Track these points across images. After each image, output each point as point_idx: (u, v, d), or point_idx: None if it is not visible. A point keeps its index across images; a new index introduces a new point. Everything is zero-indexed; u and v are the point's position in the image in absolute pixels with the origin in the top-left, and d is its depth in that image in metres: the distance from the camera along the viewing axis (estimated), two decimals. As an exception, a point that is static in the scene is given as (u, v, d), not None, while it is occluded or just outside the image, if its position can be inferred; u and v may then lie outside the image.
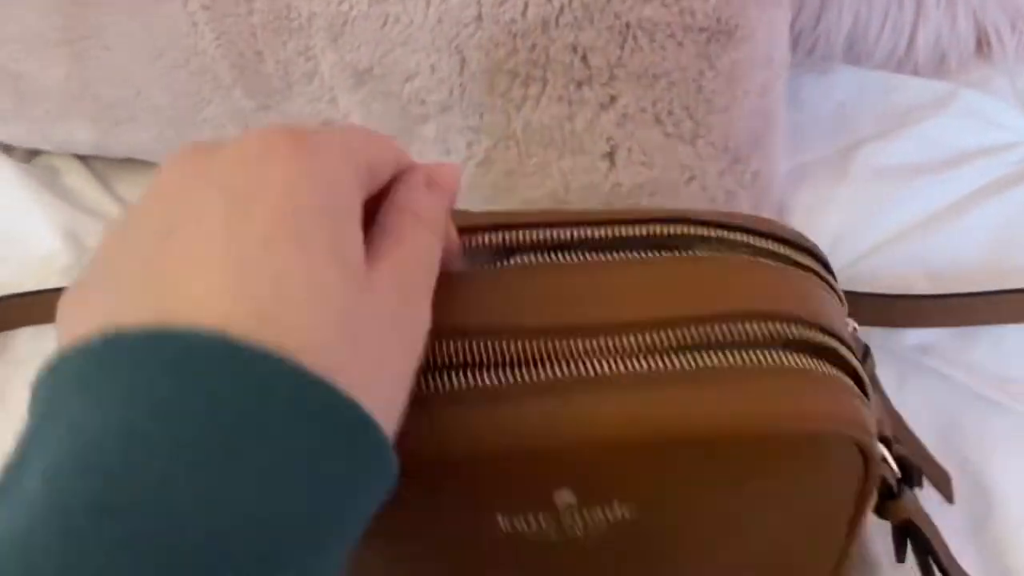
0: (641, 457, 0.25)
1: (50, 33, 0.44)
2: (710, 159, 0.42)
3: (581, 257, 0.29)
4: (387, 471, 0.20)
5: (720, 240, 0.30)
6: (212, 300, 0.18)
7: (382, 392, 0.20)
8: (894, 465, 0.31)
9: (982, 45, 0.56)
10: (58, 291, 0.45)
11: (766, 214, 0.46)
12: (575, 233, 0.29)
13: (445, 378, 0.25)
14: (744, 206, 0.44)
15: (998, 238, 0.47)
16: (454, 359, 0.25)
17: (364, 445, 0.19)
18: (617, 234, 0.29)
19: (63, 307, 0.20)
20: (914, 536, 0.33)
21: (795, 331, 0.26)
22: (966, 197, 0.49)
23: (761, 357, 0.25)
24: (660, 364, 0.25)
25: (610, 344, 0.25)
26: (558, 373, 0.25)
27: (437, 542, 0.27)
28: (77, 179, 0.53)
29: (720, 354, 0.25)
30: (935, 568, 0.33)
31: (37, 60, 0.45)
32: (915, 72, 0.55)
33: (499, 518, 0.26)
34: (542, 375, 0.25)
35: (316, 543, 0.18)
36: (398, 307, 0.21)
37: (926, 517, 0.33)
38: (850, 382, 0.27)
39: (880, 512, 0.31)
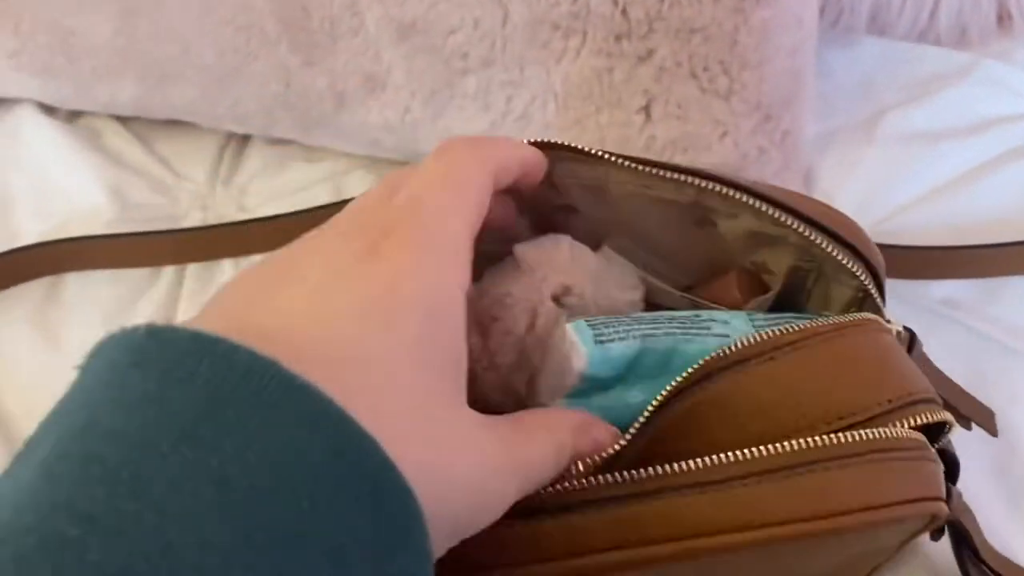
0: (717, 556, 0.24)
1: (103, -11, 0.45)
2: (743, 115, 0.43)
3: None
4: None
5: (772, 220, 0.29)
6: (292, 330, 0.18)
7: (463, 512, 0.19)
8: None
9: (1003, 18, 0.57)
10: (104, 237, 0.46)
11: (795, 174, 0.48)
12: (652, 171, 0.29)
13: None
14: (774, 164, 0.46)
15: (1018, 198, 0.49)
16: None
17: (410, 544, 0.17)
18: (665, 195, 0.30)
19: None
20: (956, 534, 0.33)
21: (895, 415, 0.25)
22: (988, 161, 0.50)
23: (849, 440, 0.24)
24: (748, 460, 0.23)
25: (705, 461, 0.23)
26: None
27: None
28: (118, 139, 0.55)
29: (806, 445, 0.24)
30: (969, 552, 0.33)
31: (89, 16, 0.47)
32: (937, 43, 0.56)
33: None
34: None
35: None
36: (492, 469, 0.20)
37: (968, 513, 0.33)
38: (929, 447, 0.26)
39: None
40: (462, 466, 0.19)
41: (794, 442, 0.23)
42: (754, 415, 0.24)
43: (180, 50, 0.47)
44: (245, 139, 0.54)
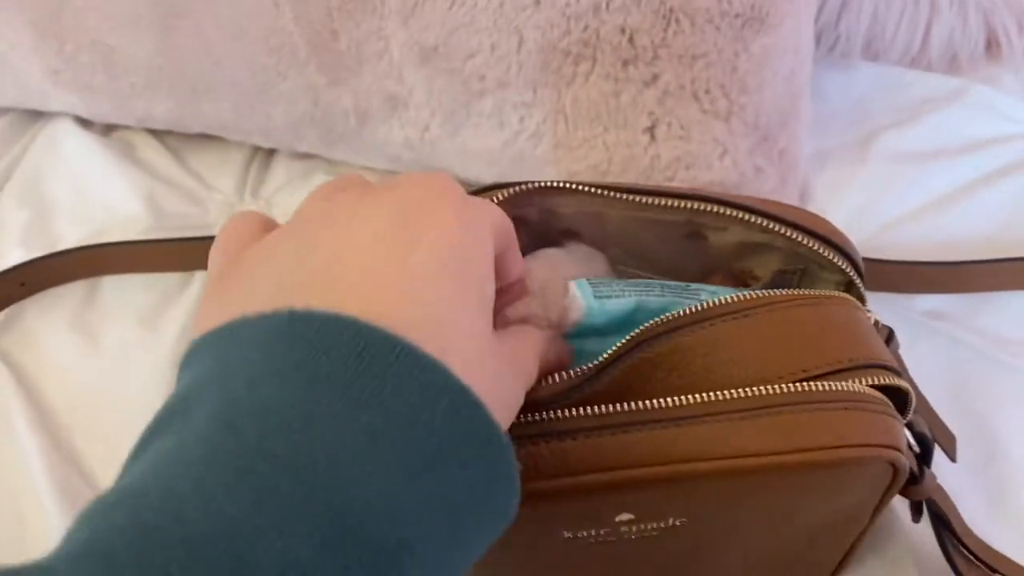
0: (702, 485, 0.27)
1: (144, 10, 0.48)
2: (742, 136, 0.46)
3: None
4: (511, 480, 0.22)
5: (760, 228, 0.33)
6: (391, 306, 0.20)
7: (503, 414, 0.22)
8: (916, 447, 0.34)
9: (992, 44, 0.60)
10: (139, 243, 0.49)
11: (791, 190, 0.51)
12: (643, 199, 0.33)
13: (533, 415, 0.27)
14: (771, 181, 0.48)
15: (1003, 217, 0.51)
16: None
17: (493, 453, 0.21)
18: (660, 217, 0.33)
19: (203, 300, 0.23)
20: (932, 511, 0.36)
21: (845, 368, 0.28)
22: (975, 181, 0.53)
23: (812, 389, 0.27)
24: (725, 401, 0.27)
25: (689, 398, 0.27)
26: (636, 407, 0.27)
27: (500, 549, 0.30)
28: (152, 152, 0.58)
29: (778, 389, 0.27)
30: (949, 534, 0.36)
31: (129, 35, 0.50)
32: (929, 68, 0.59)
33: (564, 532, 0.28)
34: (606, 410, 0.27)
35: (447, 527, 0.20)
36: (510, 357, 0.24)
37: (943, 493, 0.35)
38: (890, 404, 0.29)
39: (903, 493, 0.34)
40: (508, 387, 0.23)
41: (767, 387, 0.27)
42: (718, 365, 0.28)
43: (214, 68, 0.50)
44: (271, 153, 0.58)
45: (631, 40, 0.43)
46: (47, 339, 0.47)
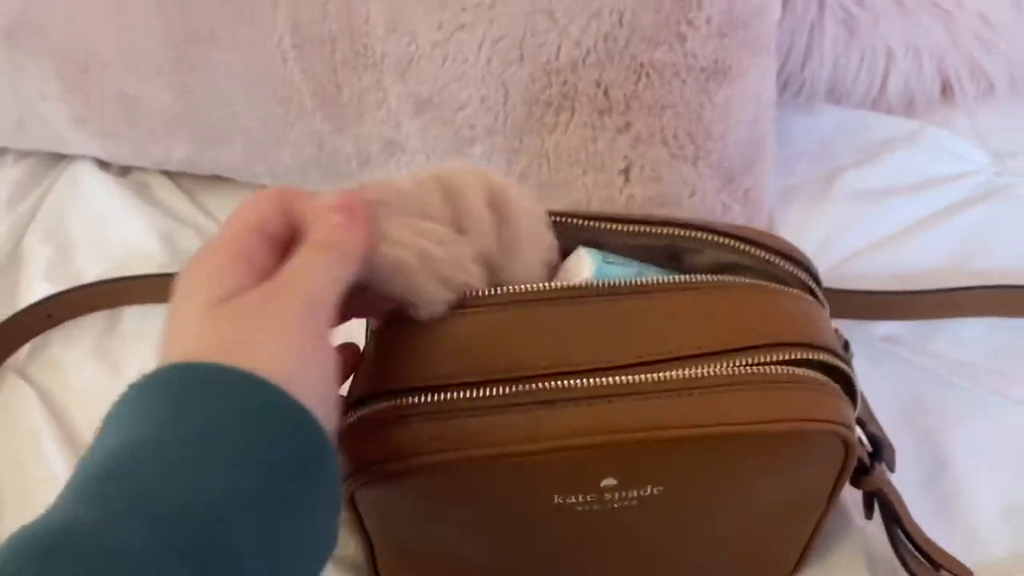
0: (674, 452, 0.32)
1: (165, 64, 0.53)
2: (709, 177, 0.51)
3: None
4: (328, 462, 0.26)
5: (730, 248, 0.37)
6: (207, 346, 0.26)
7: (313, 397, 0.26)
8: (867, 444, 0.39)
9: (945, 90, 0.64)
10: (159, 276, 0.54)
11: (758, 226, 0.55)
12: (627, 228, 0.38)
13: (519, 386, 0.31)
14: (738, 219, 0.53)
15: (955, 250, 0.56)
16: (522, 375, 0.31)
17: (307, 436, 0.25)
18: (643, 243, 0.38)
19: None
20: (881, 501, 0.40)
21: (798, 353, 0.33)
22: (930, 216, 0.57)
23: (770, 371, 0.32)
24: (694, 378, 0.31)
25: (654, 375, 0.32)
26: (612, 380, 0.31)
27: (497, 516, 0.34)
28: (167, 193, 0.62)
29: (739, 369, 0.32)
30: (898, 529, 0.40)
31: (150, 86, 0.54)
32: (888, 111, 0.64)
33: (555, 497, 0.32)
34: (595, 383, 0.31)
35: (272, 518, 0.24)
36: (303, 319, 0.27)
37: (892, 486, 0.40)
38: (839, 388, 0.34)
39: (855, 483, 0.38)
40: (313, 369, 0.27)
41: (737, 368, 0.32)
42: (669, 328, 0.33)
43: (229, 117, 0.54)
44: (278, 192, 0.62)
45: (606, 93, 0.48)
46: (72, 366, 0.51)
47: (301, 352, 0.26)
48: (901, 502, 0.40)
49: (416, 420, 0.31)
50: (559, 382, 0.31)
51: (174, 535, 0.22)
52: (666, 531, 0.36)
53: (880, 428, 0.40)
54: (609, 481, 0.32)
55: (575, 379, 0.31)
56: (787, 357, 0.32)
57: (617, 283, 0.34)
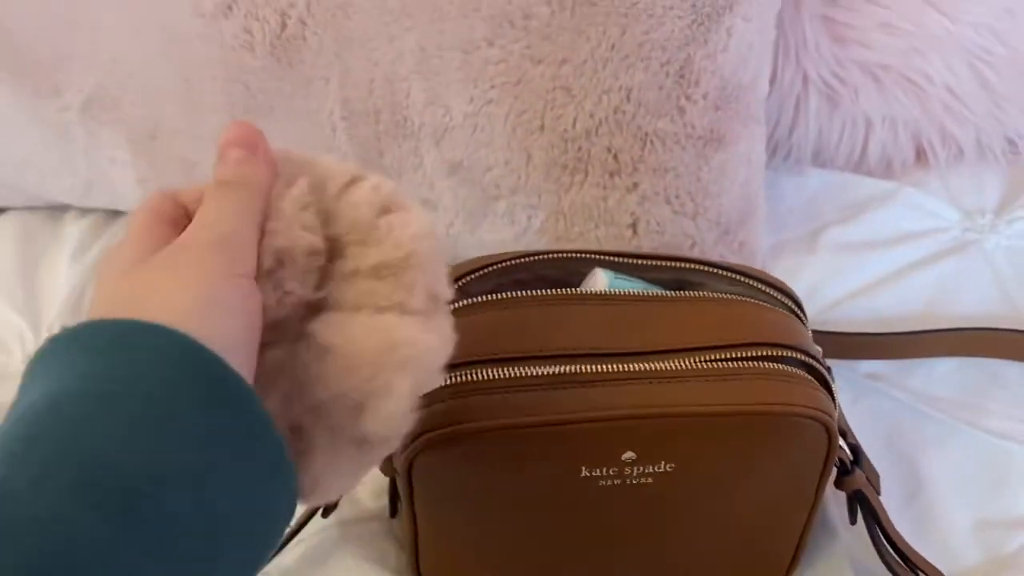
0: (683, 430, 0.39)
1: (226, 134, 0.60)
2: (707, 231, 0.57)
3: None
4: (248, 398, 0.25)
5: (729, 280, 0.45)
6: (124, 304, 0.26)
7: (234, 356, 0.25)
8: (848, 451, 0.45)
9: (920, 154, 0.71)
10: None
11: (751, 275, 0.61)
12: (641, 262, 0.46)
13: (551, 367, 0.38)
14: (734, 268, 0.59)
15: (929, 297, 0.62)
16: (557, 355, 0.39)
17: (215, 378, 0.24)
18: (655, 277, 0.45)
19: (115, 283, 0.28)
20: (863, 503, 0.46)
21: (785, 352, 0.41)
22: (906, 267, 0.64)
23: (762, 366, 0.40)
24: (700, 368, 0.39)
25: (664, 362, 0.39)
26: (629, 367, 0.39)
27: (532, 489, 0.40)
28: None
29: (735, 364, 0.39)
30: (878, 529, 0.46)
31: (209, 153, 0.61)
32: (868, 173, 0.71)
33: (583, 468, 0.39)
34: (619, 368, 0.39)
35: (199, 483, 0.23)
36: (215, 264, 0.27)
37: (872, 489, 0.46)
38: (818, 384, 0.41)
39: (838, 484, 0.45)
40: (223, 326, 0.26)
41: (731, 361, 0.39)
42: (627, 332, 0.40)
43: (279, 179, 0.61)
44: (317, 245, 0.69)
45: (615, 157, 0.55)
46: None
47: (212, 295, 0.26)
48: (881, 507, 0.45)
49: (471, 394, 0.37)
50: (591, 366, 0.38)
51: (100, 498, 0.21)
52: (679, 511, 0.42)
53: (857, 440, 0.46)
54: (629, 455, 0.38)
55: (603, 364, 0.38)
56: (776, 354, 0.40)
57: (634, 292, 0.42)
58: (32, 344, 0.61)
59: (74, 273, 0.66)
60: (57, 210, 0.71)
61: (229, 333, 0.26)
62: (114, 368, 0.24)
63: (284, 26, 0.57)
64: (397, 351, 0.28)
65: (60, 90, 0.62)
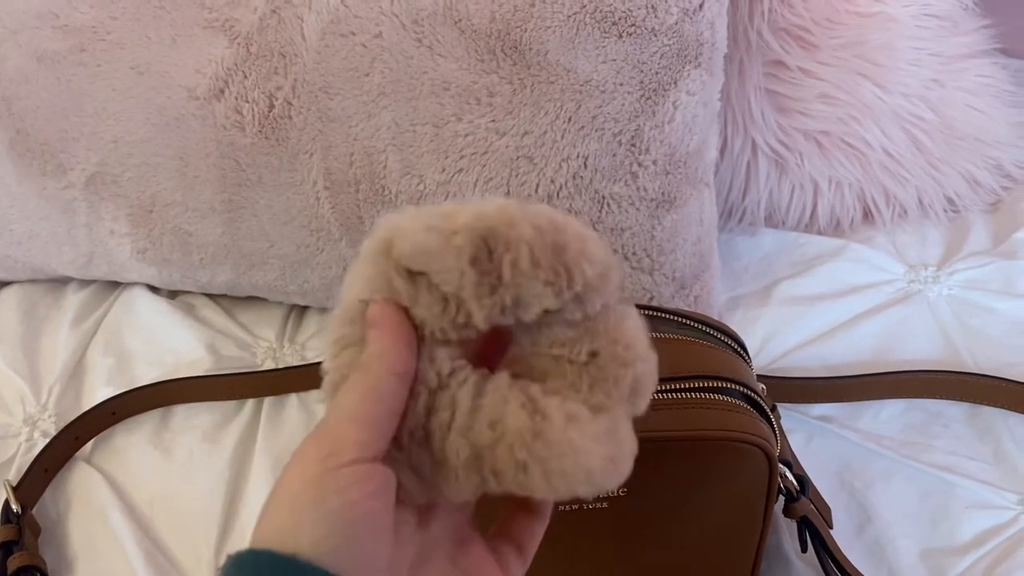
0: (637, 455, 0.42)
1: (218, 205, 0.65)
2: (663, 285, 0.62)
3: None
4: None
5: (678, 324, 0.49)
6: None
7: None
8: (794, 480, 0.48)
9: (866, 214, 0.77)
10: (203, 377, 0.64)
11: (708, 327, 0.65)
12: None
13: None
14: (691, 319, 0.63)
15: (875, 344, 0.66)
16: None
17: None
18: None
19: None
20: (811, 530, 0.49)
21: (728, 385, 0.45)
22: (854, 317, 0.68)
23: (707, 397, 0.43)
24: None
25: None
26: None
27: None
28: (209, 311, 0.73)
29: (683, 395, 0.43)
30: (827, 556, 0.49)
31: (202, 223, 0.66)
32: (818, 232, 0.76)
33: None
34: None
35: None
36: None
37: (819, 516, 0.49)
38: (759, 416, 0.45)
39: (786, 512, 0.48)
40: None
41: (676, 394, 0.43)
42: None
43: (267, 245, 0.66)
44: (303, 309, 0.73)
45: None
46: (133, 454, 0.61)
47: (305, 499, 0.26)
48: (829, 534, 0.49)
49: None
50: None
51: None
52: (634, 535, 0.45)
53: (804, 471, 0.50)
54: None
55: None
56: (719, 386, 0.44)
57: None
58: (32, 405, 0.65)
59: (73, 339, 0.70)
60: (59, 282, 0.76)
61: (324, 537, 0.26)
62: None
63: (272, 106, 0.62)
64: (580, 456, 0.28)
65: (65, 169, 0.67)
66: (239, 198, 0.65)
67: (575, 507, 0.43)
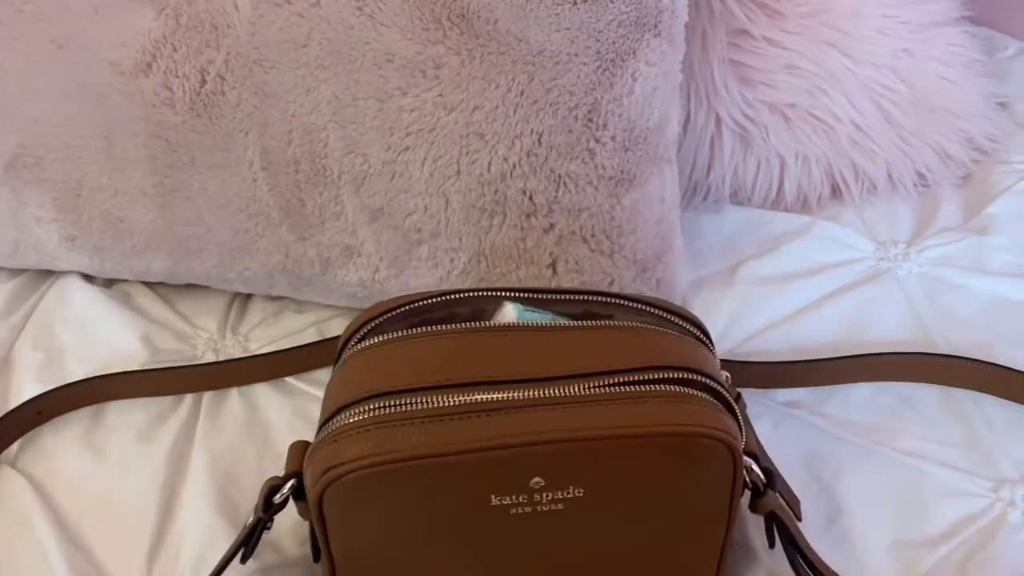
0: (591, 453, 0.39)
1: (149, 188, 0.61)
2: (624, 268, 0.59)
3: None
4: None
5: (636, 311, 0.46)
6: None
7: None
8: (760, 473, 0.46)
9: (835, 189, 0.74)
10: (138, 372, 0.60)
11: (672, 310, 0.63)
12: (550, 296, 0.47)
13: (457, 397, 0.39)
14: (654, 303, 0.60)
15: (844, 325, 0.64)
16: (461, 384, 0.40)
17: None
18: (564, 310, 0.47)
19: None
20: (778, 525, 0.46)
21: (689, 376, 0.42)
22: (822, 297, 0.66)
23: (667, 389, 0.41)
24: (604, 392, 0.40)
25: (569, 387, 0.40)
26: (535, 394, 0.40)
27: (443, 519, 0.40)
28: (146, 300, 0.69)
29: (639, 387, 0.41)
30: (795, 551, 0.47)
31: (134, 208, 0.62)
32: (785, 209, 0.73)
33: (492, 496, 0.39)
34: (524, 395, 0.40)
35: None
36: None
37: (786, 511, 0.47)
38: (722, 407, 0.42)
39: (753, 507, 0.46)
40: None
41: (629, 386, 0.40)
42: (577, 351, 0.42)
43: (204, 231, 0.62)
44: (247, 297, 0.69)
45: (531, 199, 0.56)
46: (60, 455, 0.57)
47: None
48: (798, 529, 0.46)
49: (372, 427, 0.38)
50: (497, 394, 0.39)
51: None
52: (593, 537, 0.42)
53: (771, 464, 0.47)
54: (537, 480, 0.39)
55: (508, 391, 0.39)
56: (681, 377, 0.41)
57: (536, 323, 0.44)
58: (-47, 405, 0.60)
59: (1, 332, 0.66)
60: (-16, 271, 0.71)
61: None
62: None
63: (204, 82, 0.58)
64: None
65: (-17, 151, 0.62)
66: (171, 180, 0.61)
67: (529, 510, 0.40)
